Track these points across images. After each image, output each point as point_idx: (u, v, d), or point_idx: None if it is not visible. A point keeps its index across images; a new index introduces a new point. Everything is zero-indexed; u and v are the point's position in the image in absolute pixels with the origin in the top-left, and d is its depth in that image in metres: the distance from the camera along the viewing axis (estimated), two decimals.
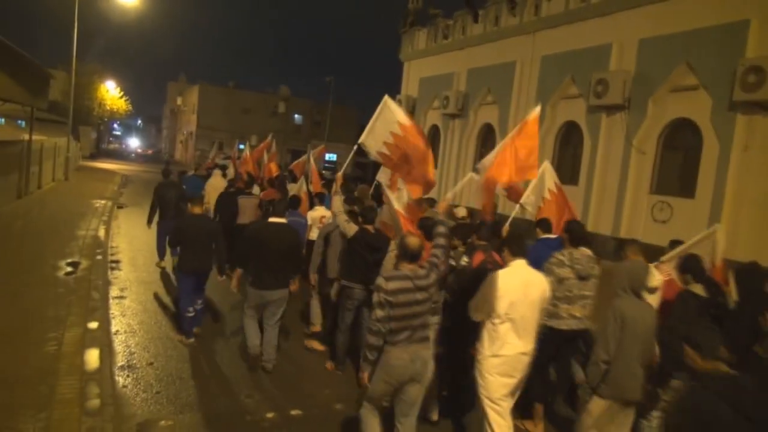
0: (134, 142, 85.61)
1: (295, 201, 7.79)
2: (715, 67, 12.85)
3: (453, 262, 5.18)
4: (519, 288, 4.17)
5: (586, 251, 5.25)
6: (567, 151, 17.77)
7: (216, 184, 11.30)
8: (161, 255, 9.93)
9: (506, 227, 6.68)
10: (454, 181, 22.59)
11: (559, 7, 17.71)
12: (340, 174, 6.70)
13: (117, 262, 10.26)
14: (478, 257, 5.09)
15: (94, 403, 4.66)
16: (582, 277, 4.92)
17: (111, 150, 64.16)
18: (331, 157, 47.49)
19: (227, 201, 9.65)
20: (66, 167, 23.08)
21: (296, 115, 57.32)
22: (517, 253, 4.33)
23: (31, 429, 4.15)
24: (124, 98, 48.24)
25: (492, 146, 20.84)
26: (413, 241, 3.98)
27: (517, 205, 7.52)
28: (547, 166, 7.73)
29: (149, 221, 9.72)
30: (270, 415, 5.01)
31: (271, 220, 5.99)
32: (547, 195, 7.35)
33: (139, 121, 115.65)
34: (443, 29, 24.00)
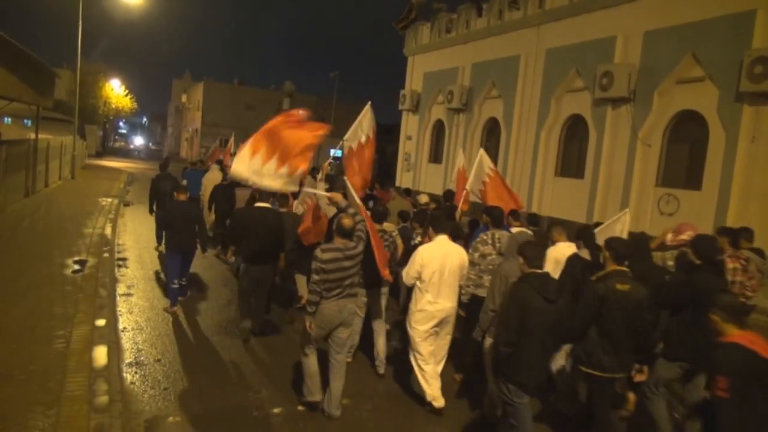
0: (139, 140, 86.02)
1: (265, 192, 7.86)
2: (721, 58, 12.75)
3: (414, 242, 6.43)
4: (439, 258, 5.15)
5: (505, 233, 5.89)
6: (572, 145, 17.70)
7: (213, 178, 11.81)
8: (159, 241, 10.68)
9: (459, 212, 7.80)
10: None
11: (564, 0, 17.62)
12: (326, 164, 8.24)
13: (124, 259, 10.32)
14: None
15: (103, 399, 4.69)
16: (502, 254, 5.44)
17: (117, 148, 64.39)
18: (337, 153, 47.44)
19: (222, 192, 10.62)
20: (72, 166, 23.18)
21: (301, 112, 57.19)
22: (439, 230, 5.35)
23: (41, 425, 4.19)
24: (129, 96, 48.42)
25: (497, 140, 20.82)
26: (347, 221, 4.94)
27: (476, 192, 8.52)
28: (482, 153, 8.56)
29: (150, 209, 10.78)
30: (277, 410, 5.04)
31: (257, 205, 6.93)
32: (486, 179, 8.21)
33: (145, 119, 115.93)
34: (447, 23, 23.91)
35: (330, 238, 5.42)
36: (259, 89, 58.01)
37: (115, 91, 46.03)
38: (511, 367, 4.12)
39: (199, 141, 51.39)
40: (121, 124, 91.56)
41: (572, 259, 5.50)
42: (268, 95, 55.57)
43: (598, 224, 7.08)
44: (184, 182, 11.38)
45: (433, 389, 5.22)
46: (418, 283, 5.21)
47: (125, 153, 58.46)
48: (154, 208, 10.65)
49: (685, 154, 14.11)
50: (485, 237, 5.86)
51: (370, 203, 7.95)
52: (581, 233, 5.82)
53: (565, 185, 17.55)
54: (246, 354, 6.27)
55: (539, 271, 4.26)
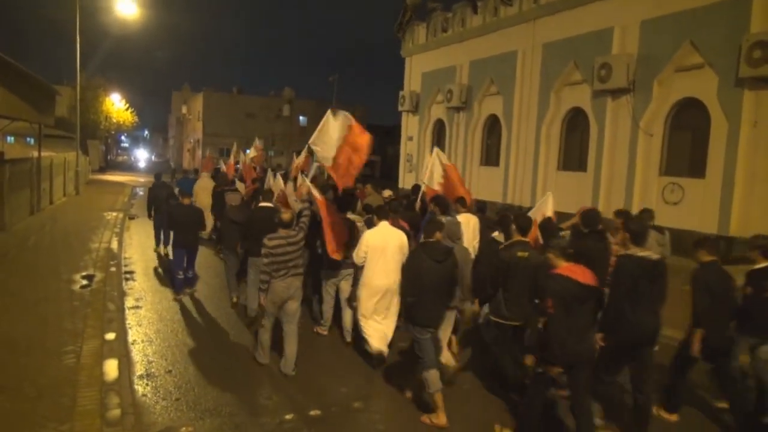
0: (142, 154, 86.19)
1: (269, 193, 8.21)
2: (720, 44, 12.71)
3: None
4: (381, 241, 6.06)
5: (454, 220, 6.63)
6: (573, 138, 17.66)
7: (203, 185, 12.88)
8: (157, 243, 12.03)
9: (418, 203, 8.77)
10: (461, 173, 22.52)
11: None
12: (298, 163, 9.51)
13: (131, 272, 10.35)
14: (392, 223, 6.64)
15: (115, 413, 4.71)
16: (450, 237, 5.94)
17: (120, 162, 64.63)
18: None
19: (218, 197, 11.60)
20: (76, 181, 23.28)
21: (301, 117, 57.45)
22: (381, 217, 6.37)
23: None
24: (129, 110, 48.59)
25: (498, 137, 20.80)
26: (285, 216, 6.10)
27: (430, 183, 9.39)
28: (437, 151, 9.51)
29: (149, 214, 12.12)
30: (289, 416, 5.04)
31: (261, 204, 7.70)
32: (443, 173, 9.03)
33: (146, 132, 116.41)
34: (443, 22, 23.92)
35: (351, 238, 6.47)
36: (259, 97, 58.18)
37: (116, 105, 46.19)
38: (414, 312, 5.19)
39: (201, 151, 51.55)
40: (122, 138, 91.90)
41: (489, 241, 6.56)
42: (267, 102, 55.80)
43: (529, 208, 7.81)
44: (176, 190, 11.81)
45: (375, 341, 6.09)
46: (365, 262, 6.11)
47: (128, 167, 58.64)
48: (152, 213, 11.86)
49: (687, 142, 14.06)
50: (453, 224, 6.53)
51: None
52: (498, 220, 6.63)
53: (568, 179, 17.51)
54: (256, 362, 6.27)
55: (431, 240, 5.29)
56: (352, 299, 6.67)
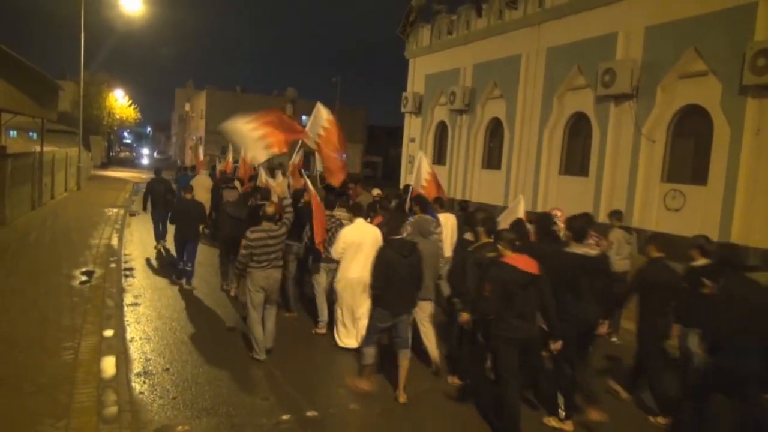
0: (146, 151, 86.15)
1: (268, 192, 8.75)
2: (724, 51, 12.69)
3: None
4: (357, 237, 6.49)
5: (428, 217, 7.16)
6: (576, 143, 17.65)
7: (201, 182, 13.08)
8: (157, 238, 12.24)
9: (408, 203, 8.95)
10: (463, 176, 22.57)
11: None
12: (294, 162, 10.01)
13: (131, 269, 10.35)
14: (376, 220, 7.15)
15: (112, 410, 4.70)
16: (422, 234, 6.36)
17: (122, 158, 64.65)
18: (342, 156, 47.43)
19: (216, 192, 12.15)
20: (78, 177, 23.29)
21: (304, 117, 57.40)
22: (357, 215, 6.81)
23: None
24: (132, 106, 48.60)
25: (500, 140, 20.79)
26: (270, 209, 6.43)
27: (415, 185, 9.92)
28: (422, 156, 10.14)
29: (144, 207, 12.54)
30: (286, 417, 5.03)
31: (260, 203, 8.08)
32: (427, 176, 9.61)
33: (149, 129, 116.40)
34: (447, 25, 23.92)
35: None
36: (262, 96, 58.20)
37: (119, 101, 46.21)
38: (381, 302, 5.53)
39: (203, 149, 51.59)
40: (125, 134, 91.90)
41: (461, 240, 6.95)
42: (270, 102, 55.73)
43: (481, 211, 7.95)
44: (174, 186, 12.84)
45: (343, 335, 6.76)
46: (342, 256, 6.55)
47: (130, 163, 58.67)
48: (150, 207, 12.21)
49: (689, 149, 14.04)
50: (411, 220, 7.01)
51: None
52: (468, 220, 6.78)
53: (569, 183, 17.50)
54: (254, 361, 6.26)
55: (398, 236, 5.68)
56: (331, 293, 7.10)
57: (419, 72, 26.12)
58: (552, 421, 5.14)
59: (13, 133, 30.22)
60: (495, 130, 21.47)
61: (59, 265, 9.60)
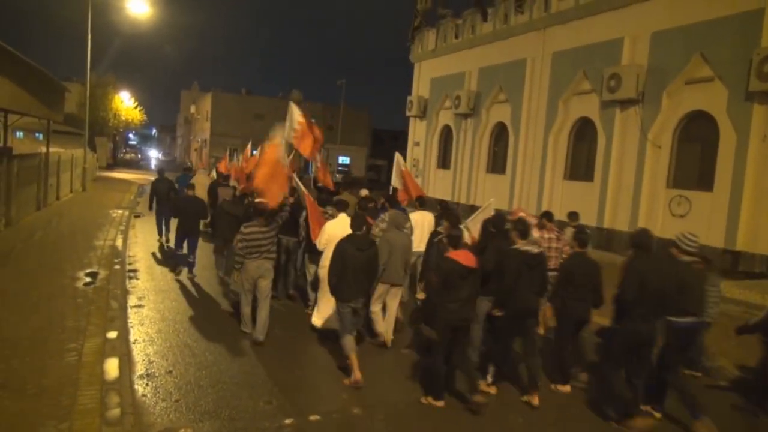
0: (153, 153, 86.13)
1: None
2: (730, 57, 12.67)
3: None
4: (338, 230, 6.95)
5: (397, 212, 7.73)
6: (581, 148, 17.62)
7: (200, 180, 13.62)
8: (160, 233, 13.02)
9: (382, 200, 9.56)
10: (467, 180, 22.54)
11: (570, 3, 17.59)
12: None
13: (135, 271, 10.36)
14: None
15: (114, 412, 4.69)
16: (396, 226, 7.07)
17: (127, 160, 64.85)
18: (344, 160, 47.54)
19: (212, 191, 12.64)
20: (83, 178, 23.37)
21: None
22: (341, 210, 7.60)
23: None
24: (138, 108, 48.78)
25: (505, 144, 20.77)
26: (262, 206, 7.19)
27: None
28: (398, 156, 11.16)
29: (150, 207, 13.22)
30: (289, 421, 5.01)
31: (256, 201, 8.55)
32: (403, 176, 10.60)
33: (154, 131, 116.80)
34: (453, 29, 23.95)
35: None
36: (267, 98, 58.38)
37: (125, 103, 46.38)
38: (338, 291, 6.13)
39: (209, 151, 51.76)
40: (131, 135, 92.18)
41: (434, 234, 7.89)
42: (275, 104, 55.84)
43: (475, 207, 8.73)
44: (176, 185, 13.51)
45: (321, 312, 7.30)
46: (326, 245, 7.09)
47: (136, 164, 58.82)
48: (154, 205, 12.94)
49: (695, 155, 14.00)
50: (384, 216, 7.75)
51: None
52: (442, 215, 7.49)
53: (574, 188, 17.46)
54: (257, 364, 6.26)
55: (358, 232, 6.22)
56: (315, 283, 7.78)
57: (424, 76, 26.15)
58: (482, 385, 5.81)
59: (19, 134, 30.34)
60: (500, 134, 21.46)
61: (63, 266, 9.61)
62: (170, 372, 5.88)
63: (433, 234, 7.62)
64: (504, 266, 5.89)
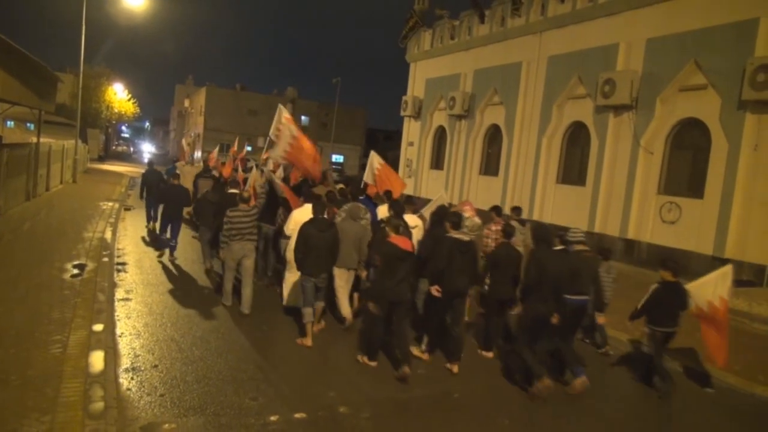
0: (147, 147, 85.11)
1: (234, 183, 10.55)
2: (724, 66, 12.74)
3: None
4: (304, 216, 7.48)
5: (355, 204, 8.33)
6: (574, 152, 17.68)
7: (185, 171, 15.30)
8: (148, 220, 13.97)
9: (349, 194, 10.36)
10: (461, 181, 22.56)
11: (566, 7, 17.64)
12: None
13: (123, 264, 10.29)
14: (330, 212, 8.08)
15: (98, 406, 4.64)
16: (352, 217, 7.74)
17: (119, 152, 64.39)
18: (337, 158, 47.51)
19: (195, 181, 13.46)
20: (74, 170, 23.18)
21: (303, 117, 57.41)
22: (307, 201, 8.37)
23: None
24: (131, 101, 48.46)
25: (499, 147, 20.80)
26: (245, 194, 8.32)
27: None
28: (373, 154, 11.50)
29: (141, 195, 14.28)
30: (274, 418, 4.99)
31: (230, 191, 9.61)
32: (376, 172, 11.00)
33: (147, 124, 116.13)
34: (449, 30, 23.96)
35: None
36: (262, 95, 58.20)
37: (118, 95, 46.06)
38: (302, 266, 7.01)
39: (202, 145, 51.48)
40: (123, 128, 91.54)
41: (380, 221, 8.32)
42: (270, 101, 55.72)
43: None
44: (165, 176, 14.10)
45: (287, 290, 8.12)
46: (292, 232, 7.69)
47: (128, 157, 58.43)
48: (145, 194, 13.87)
49: (687, 162, 14.08)
50: (345, 207, 8.31)
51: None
52: (395, 209, 8.03)
53: (566, 192, 17.52)
54: (243, 360, 6.22)
55: (319, 216, 7.10)
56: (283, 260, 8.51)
57: (420, 76, 26.15)
58: (415, 351, 6.81)
59: (10, 124, 30.09)
60: (494, 136, 21.49)
61: (51, 258, 9.53)
62: (156, 366, 5.83)
63: (380, 221, 8.28)
64: (437, 251, 6.72)
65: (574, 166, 17.56)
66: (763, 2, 12.19)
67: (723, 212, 12.65)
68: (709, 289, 6.66)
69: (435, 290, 6.64)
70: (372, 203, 9.53)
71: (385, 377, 6.22)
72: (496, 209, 9.83)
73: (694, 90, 13.64)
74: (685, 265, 13.27)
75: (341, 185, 11.97)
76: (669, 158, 14.45)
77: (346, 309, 7.63)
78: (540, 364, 6.08)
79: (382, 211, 8.91)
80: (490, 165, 21.61)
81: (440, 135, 24.84)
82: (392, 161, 42.75)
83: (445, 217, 7.27)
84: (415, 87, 26.46)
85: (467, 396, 6.02)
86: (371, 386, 5.96)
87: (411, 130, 26.84)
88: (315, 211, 7.20)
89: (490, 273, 7.07)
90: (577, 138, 17.52)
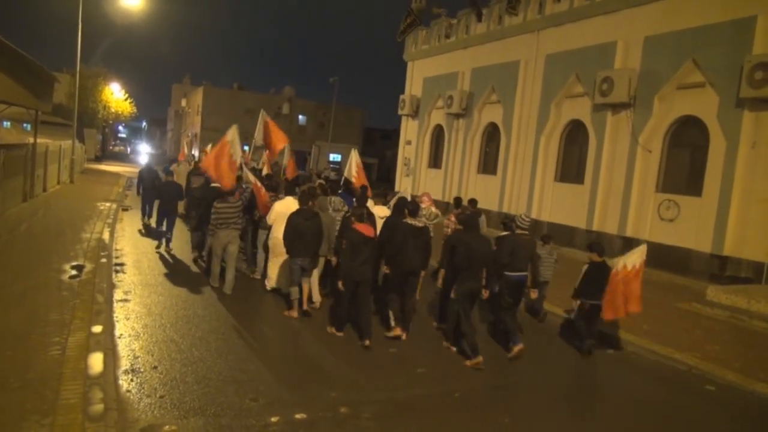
0: (144, 147, 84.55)
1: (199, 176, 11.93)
2: (722, 63, 12.75)
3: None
4: (284, 209, 8.40)
5: (323, 197, 9.33)
6: (572, 150, 17.68)
7: (179, 169, 15.89)
8: (143, 215, 14.51)
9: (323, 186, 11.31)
10: (459, 180, 22.55)
11: (563, 6, 17.63)
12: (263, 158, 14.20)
13: (121, 264, 10.25)
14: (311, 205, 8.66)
15: (98, 408, 4.62)
16: (320, 208, 8.57)
17: (116, 152, 64.25)
18: (335, 157, 47.43)
19: (188, 179, 14.01)
20: (71, 170, 23.11)
21: (300, 116, 57.35)
22: (288, 194, 9.15)
23: None
24: (128, 100, 48.33)
25: (497, 145, 20.80)
26: (231, 189, 9.24)
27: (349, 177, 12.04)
28: (353, 152, 12.23)
29: (137, 191, 15.27)
30: (275, 419, 4.97)
31: (212, 185, 10.34)
32: (357, 169, 11.78)
33: (144, 123, 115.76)
34: (447, 28, 23.94)
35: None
36: (259, 94, 58.06)
37: (115, 95, 45.93)
38: (291, 249, 7.80)
39: (199, 145, 51.37)
40: (120, 128, 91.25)
41: (346, 212, 9.14)
42: (267, 100, 55.64)
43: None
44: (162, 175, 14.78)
45: (270, 275, 9.07)
46: (273, 222, 8.68)
47: (125, 157, 58.26)
48: (141, 191, 14.79)
49: (685, 160, 14.09)
50: (324, 198, 9.23)
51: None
52: (360, 201, 8.91)
53: (565, 190, 17.52)
54: (244, 361, 6.20)
55: (304, 207, 7.91)
56: (266, 248, 9.43)
57: (417, 75, 26.13)
58: (390, 334, 7.47)
59: (6, 124, 29.94)
60: (492, 135, 21.48)
61: (49, 259, 9.49)
62: (155, 368, 5.81)
63: (346, 212, 9.09)
64: (394, 236, 7.56)
65: (572, 165, 17.56)
66: (761, 0, 12.19)
67: (721, 210, 12.66)
68: (629, 260, 7.55)
69: (385, 269, 7.78)
70: (350, 197, 10.18)
71: (385, 377, 6.20)
72: (456, 200, 11.00)
73: (692, 88, 13.65)
74: (684, 262, 13.35)
75: (320, 181, 13.06)
76: (667, 156, 14.46)
77: (316, 293, 8.49)
78: (475, 344, 6.84)
79: (381, 210, 9.68)
80: (488, 163, 21.61)
81: (438, 134, 24.83)
82: (390, 160, 42.69)
83: (403, 206, 8.04)
84: (413, 86, 26.44)
85: (468, 395, 6.01)
86: (372, 386, 5.94)
87: (409, 128, 26.82)
88: (301, 202, 8.07)
89: (446, 255, 7.80)
90: (575, 136, 17.52)
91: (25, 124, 29.39)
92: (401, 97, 26.66)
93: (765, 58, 11.60)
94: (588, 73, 16.15)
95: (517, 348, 7.14)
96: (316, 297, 8.51)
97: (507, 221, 7.91)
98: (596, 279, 7.62)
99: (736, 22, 12.52)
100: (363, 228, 7.23)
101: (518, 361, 7.13)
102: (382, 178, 47.72)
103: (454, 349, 7.22)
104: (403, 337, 7.45)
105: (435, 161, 25.00)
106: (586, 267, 7.83)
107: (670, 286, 12.33)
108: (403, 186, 25.98)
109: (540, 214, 17.95)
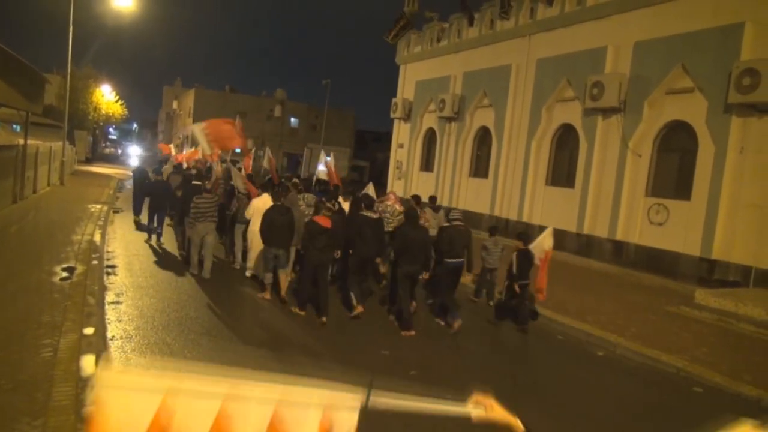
0: (135, 150, 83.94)
1: (191, 176, 12.91)
2: (710, 69, 12.90)
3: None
4: (261, 205, 9.30)
5: (292, 194, 10.48)
6: (563, 154, 17.81)
7: (168, 169, 16.31)
8: (134, 213, 15.00)
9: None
10: (450, 183, 22.63)
11: (555, 11, 17.77)
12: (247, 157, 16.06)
13: (113, 267, 10.21)
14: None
15: (90, 410, 4.61)
16: (309, 206, 9.81)
17: (107, 154, 63.80)
18: (327, 157, 47.35)
19: (169, 177, 14.67)
20: (61, 172, 22.97)
21: (292, 119, 57.29)
22: (265, 191, 10.14)
23: None
24: (119, 102, 48.08)
25: (488, 149, 20.90)
26: (209, 185, 10.70)
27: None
28: (322, 154, 14.59)
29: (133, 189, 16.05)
30: None
31: (193, 183, 11.60)
32: (325, 169, 13.59)
33: (135, 126, 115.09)
34: (439, 32, 24.04)
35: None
36: (251, 96, 57.95)
37: (106, 97, 45.68)
38: (267, 240, 8.58)
39: (190, 147, 51.24)
40: (111, 130, 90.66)
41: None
42: (259, 102, 55.61)
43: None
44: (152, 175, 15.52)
45: (250, 264, 10.08)
46: (251, 217, 9.55)
47: (115, 159, 57.89)
48: (132, 188, 15.80)
49: (674, 165, 14.24)
50: (300, 196, 10.57)
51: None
52: (331, 195, 10.24)
53: (555, 194, 17.63)
54: (236, 363, 6.16)
55: (278, 203, 8.85)
56: (244, 239, 10.37)
57: (409, 78, 26.21)
58: (354, 312, 8.21)
59: None
60: (483, 138, 21.59)
61: (40, 261, 9.44)
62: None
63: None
64: (351, 226, 8.63)
65: (563, 169, 17.68)
66: (749, 7, 12.37)
67: (710, 214, 12.80)
68: (544, 245, 9.02)
69: (336, 254, 8.79)
70: (320, 195, 11.33)
71: (385, 377, 6.22)
72: (415, 197, 11.78)
73: (681, 93, 13.80)
74: (672, 265, 13.47)
75: (294, 180, 14.21)
76: (657, 161, 14.60)
77: (283, 281, 9.15)
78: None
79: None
80: (479, 167, 21.70)
81: (430, 137, 24.91)
82: (382, 163, 42.67)
83: (360, 200, 9.16)
84: (405, 89, 26.51)
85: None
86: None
87: (401, 132, 26.88)
88: (274, 199, 9.07)
89: (395, 244, 8.60)
90: (566, 140, 17.65)
91: (15, 126, 29.19)
92: (393, 100, 26.73)
93: (753, 64, 11.76)
94: (579, 77, 16.28)
95: (456, 323, 8.08)
96: (284, 284, 9.09)
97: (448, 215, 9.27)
98: (523, 264, 8.71)
99: (724, 29, 12.68)
100: (320, 220, 8.16)
101: (509, 364, 7.33)
102: (373, 180, 47.73)
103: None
104: (360, 309, 8.26)
105: (427, 164, 25.07)
106: (515, 254, 8.76)
107: (659, 289, 12.45)
108: (396, 189, 26.04)
109: (531, 218, 18.05)
